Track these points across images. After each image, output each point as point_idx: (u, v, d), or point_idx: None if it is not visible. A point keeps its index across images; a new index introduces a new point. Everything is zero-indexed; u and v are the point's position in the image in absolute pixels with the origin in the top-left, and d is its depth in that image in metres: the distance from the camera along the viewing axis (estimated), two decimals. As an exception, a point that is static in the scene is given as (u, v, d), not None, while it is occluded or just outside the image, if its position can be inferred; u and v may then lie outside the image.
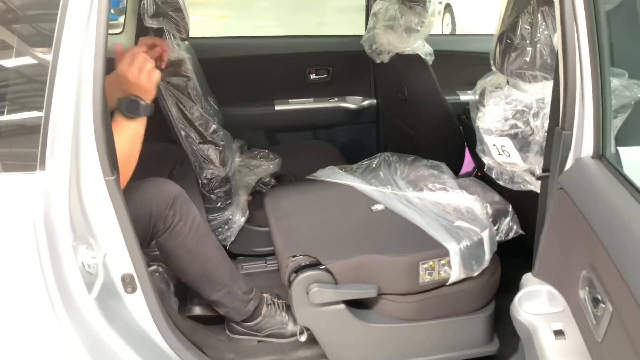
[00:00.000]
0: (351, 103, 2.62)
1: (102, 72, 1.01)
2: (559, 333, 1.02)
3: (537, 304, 1.12)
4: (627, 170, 1.01)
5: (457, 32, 7.55)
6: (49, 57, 0.97)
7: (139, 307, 1.19)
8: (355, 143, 2.68)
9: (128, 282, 1.16)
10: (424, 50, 2.13)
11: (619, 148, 1.12)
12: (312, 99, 2.60)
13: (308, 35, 4.71)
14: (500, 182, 1.59)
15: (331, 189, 1.81)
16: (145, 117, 1.30)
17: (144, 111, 1.29)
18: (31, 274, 0.98)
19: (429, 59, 2.14)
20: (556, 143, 1.17)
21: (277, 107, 2.57)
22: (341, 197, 1.75)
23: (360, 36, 2.29)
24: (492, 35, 1.59)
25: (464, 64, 2.56)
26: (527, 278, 1.20)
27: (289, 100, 2.59)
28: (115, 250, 1.13)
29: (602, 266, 0.87)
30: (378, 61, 2.21)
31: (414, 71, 2.07)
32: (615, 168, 1.00)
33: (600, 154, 1.06)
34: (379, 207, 1.66)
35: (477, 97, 1.65)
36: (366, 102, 2.63)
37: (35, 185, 0.98)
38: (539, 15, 1.40)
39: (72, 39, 0.98)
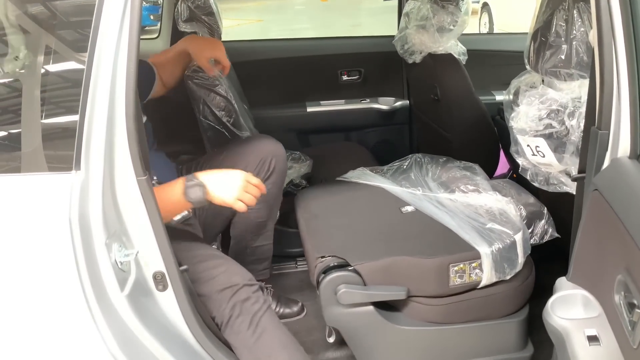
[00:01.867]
0: (383, 104, 2.61)
1: (134, 76, 1.04)
2: (593, 339, 0.98)
3: (571, 308, 1.09)
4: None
5: (495, 32, 7.40)
6: (84, 62, 1.01)
7: (170, 304, 1.22)
8: (388, 145, 2.66)
9: (159, 280, 1.19)
10: (457, 49, 2.10)
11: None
12: (343, 101, 2.61)
13: (339, 36, 4.71)
14: (535, 184, 1.55)
15: (361, 191, 1.80)
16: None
17: (199, 204, 1.33)
18: (67, 270, 1.02)
19: (463, 59, 2.10)
20: (592, 143, 1.13)
21: (309, 109, 2.58)
22: (371, 199, 1.74)
23: (392, 37, 2.28)
24: (527, 33, 1.55)
25: (498, 63, 2.51)
26: (561, 282, 1.16)
27: (321, 102, 2.60)
28: (147, 249, 1.15)
29: (638, 270, 0.84)
30: (410, 61, 2.19)
31: (447, 71, 2.04)
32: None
33: (638, 154, 1.02)
34: (409, 208, 1.65)
35: (511, 96, 1.62)
36: (398, 103, 2.61)
37: (71, 185, 1.02)
38: (574, 12, 1.36)
39: (105, 44, 1.01)
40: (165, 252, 1.17)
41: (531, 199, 1.64)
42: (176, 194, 1.30)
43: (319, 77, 2.59)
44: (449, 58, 2.06)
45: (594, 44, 1.12)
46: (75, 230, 1.01)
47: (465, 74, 2.03)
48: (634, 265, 0.85)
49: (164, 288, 1.20)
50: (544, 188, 1.54)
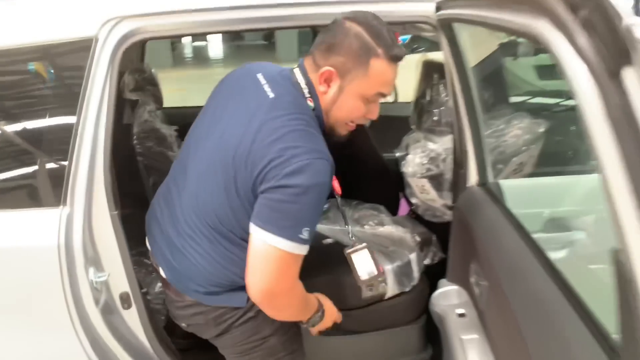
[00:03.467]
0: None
1: (112, 132, 1.34)
2: (461, 315, 1.36)
3: (448, 299, 1.47)
4: (506, 192, 1.41)
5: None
6: (74, 118, 1.30)
7: (134, 321, 1.46)
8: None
9: (125, 299, 1.44)
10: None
11: (500, 180, 1.54)
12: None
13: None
14: (426, 217, 1.98)
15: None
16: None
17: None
18: (54, 286, 1.25)
19: (366, 123, 2.56)
20: (455, 178, 1.57)
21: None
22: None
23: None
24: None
25: (397, 126, 3.02)
26: (442, 282, 1.56)
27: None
28: (115, 272, 1.41)
29: (480, 257, 1.24)
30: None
31: (355, 134, 2.48)
32: (491, 191, 1.40)
33: (482, 183, 1.46)
34: (329, 240, 2.00)
35: (403, 150, 2.07)
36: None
37: (59, 217, 1.27)
38: (440, 87, 1.85)
39: (91, 107, 1.31)
40: (130, 276, 1.43)
41: (423, 229, 2.05)
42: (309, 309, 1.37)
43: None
44: (360, 126, 2.51)
45: (453, 109, 1.59)
46: (62, 254, 1.26)
47: (369, 136, 2.48)
48: (478, 254, 1.26)
49: (129, 307, 1.45)
50: (432, 220, 1.97)
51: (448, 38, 1.38)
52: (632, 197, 0.61)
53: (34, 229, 1.27)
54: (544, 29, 0.74)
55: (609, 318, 0.75)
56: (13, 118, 1.39)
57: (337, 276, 1.75)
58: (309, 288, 1.71)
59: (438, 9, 1.37)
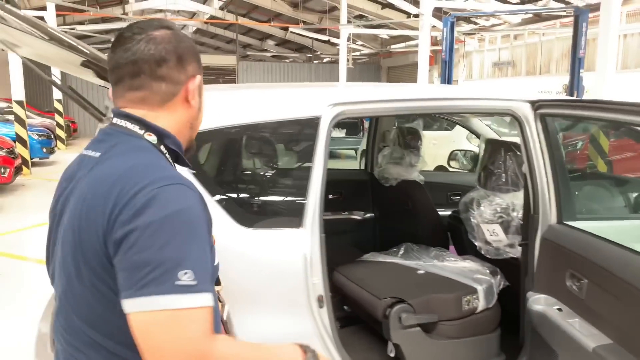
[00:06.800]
0: (357, 215, 3.63)
1: (324, 177, 1.92)
2: (559, 309, 2.00)
3: (541, 303, 2.11)
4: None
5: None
6: (308, 168, 1.89)
7: (324, 316, 1.97)
8: (361, 241, 3.63)
9: (320, 300, 1.96)
10: (418, 178, 3.27)
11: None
12: (330, 212, 3.57)
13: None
14: (487, 256, 2.65)
15: (384, 264, 2.72)
16: None
17: None
18: (301, 283, 1.78)
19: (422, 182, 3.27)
20: (531, 223, 2.26)
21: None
22: (393, 268, 2.67)
23: (358, 170, 3.38)
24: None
25: (441, 188, 3.76)
26: (530, 294, 2.19)
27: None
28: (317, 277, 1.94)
29: (578, 265, 1.91)
30: (387, 185, 3.29)
31: (417, 191, 3.17)
32: (571, 226, 2.09)
33: (560, 221, 2.16)
34: (421, 271, 2.61)
35: (467, 204, 2.77)
36: (368, 215, 3.65)
37: (301, 235, 1.83)
38: (507, 157, 2.59)
39: (318, 161, 1.91)
40: (325, 282, 1.96)
41: (488, 264, 2.71)
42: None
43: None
44: (417, 183, 3.21)
45: (525, 171, 2.30)
46: (307, 262, 1.80)
47: (427, 194, 3.18)
48: (576, 265, 1.92)
49: (321, 306, 1.97)
50: (494, 257, 2.64)
51: (543, 126, 2.12)
52: None
53: (289, 243, 1.81)
54: None
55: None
56: (281, 164, 1.96)
57: (442, 295, 2.35)
58: (419, 307, 2.30)
59: (538, 107, 2.12)
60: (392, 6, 16.79)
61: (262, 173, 2.11)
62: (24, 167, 9.32)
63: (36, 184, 9.32)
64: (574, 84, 9.13)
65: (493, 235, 2.63)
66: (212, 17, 20.22)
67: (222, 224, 1.74)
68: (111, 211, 0.95)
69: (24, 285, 4.58)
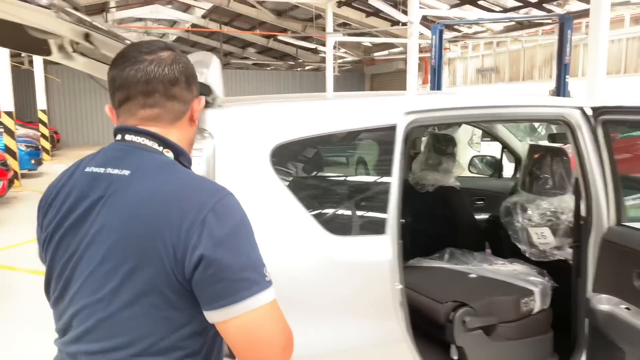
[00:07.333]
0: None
1: (401, 183, 1.96)
2: (627, 308, 2.07)
3: (604, 302, 2.18)
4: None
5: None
6: (389, 180, 1.92)
7: (404, 323, 1.99)
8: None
9: (402, 305, 1.98)
10: (455, 183, 3.33)
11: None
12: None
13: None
14: (533, 258, 2.72)
15: (431, 270, 2.76)
16: None
17: None
18: (387, 289, 1.81)
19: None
20: (585, 224, 2.32)
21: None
22: (443, 273, 2.71)
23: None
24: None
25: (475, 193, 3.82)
26: (590, 294, 2.26)
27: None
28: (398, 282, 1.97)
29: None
30: (423, 191, 3.34)
31: (455, 196, 3.23)
32: (632, 227, 2.17)
33: (619, 223, 2.24)
34: (473, 275, 2.66)
35: (509, 208, 2.83)
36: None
37: (384, 241, 1.85)
38: (553, 162, 2.67)
39: (394, 172, 1.94)
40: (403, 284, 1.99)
41: (535, 266, 2.77)
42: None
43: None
44: (453, 189, 3.27)
45: (577, 173, 2.38)
46: (390, 265, 1.83)
47: (464, 199, 3.24)
48: (643, 263, 2.00)
49: (403, 311, 1.99)
50: (539, 259, 2.71)
51: (604, 132, 2.20)
52: None
53: (375, 250, 1.83)
54: None
55: None
56: (361, 172, 1.98)
57: (501, 297, 2.41)
58: (481, 310, 2.33)
59: (601, 113, 2.19)
60: (376, 14, 17.03)
61: (344, 181, 2.13)
62: (14, 180, 9.11)
63: (28, 196, 9.12)
64: (560, 90, 9.45)
65: (541, 238, 2.70)
66: (194, 25, 20.15)
67: (315, 233, 1.75)
68: (178, 228, 1.01)
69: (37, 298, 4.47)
